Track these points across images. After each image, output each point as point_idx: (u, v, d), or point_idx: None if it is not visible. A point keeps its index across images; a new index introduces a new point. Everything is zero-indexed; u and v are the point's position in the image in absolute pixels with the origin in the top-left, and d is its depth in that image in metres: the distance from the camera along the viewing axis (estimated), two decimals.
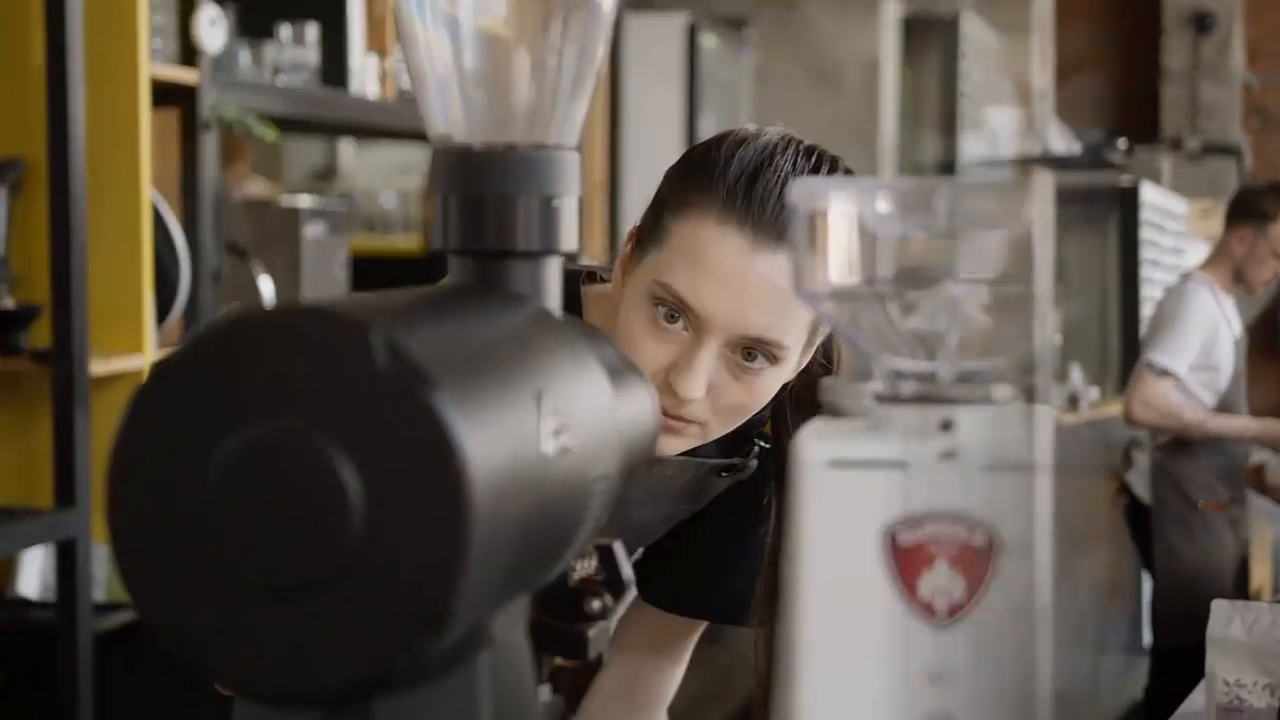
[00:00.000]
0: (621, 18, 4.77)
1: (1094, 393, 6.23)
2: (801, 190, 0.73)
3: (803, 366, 1.34)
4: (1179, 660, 4.23)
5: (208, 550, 0.63)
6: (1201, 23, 9.37)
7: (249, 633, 0.63)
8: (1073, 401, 5.98)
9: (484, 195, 0.83)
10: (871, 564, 0.70)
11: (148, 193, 2.55)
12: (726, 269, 1.22)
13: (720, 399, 1.27)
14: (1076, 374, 6.31)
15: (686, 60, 5.26)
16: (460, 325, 0.71)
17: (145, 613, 0.64)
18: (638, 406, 0.88)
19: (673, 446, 1.30)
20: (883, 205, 0.73)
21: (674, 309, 1.24)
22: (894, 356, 0.74)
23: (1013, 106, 5.40)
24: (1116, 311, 7.03)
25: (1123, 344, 6.96)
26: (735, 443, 1.40)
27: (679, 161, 1.30)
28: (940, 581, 0.70)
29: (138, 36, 2.53)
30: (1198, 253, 8.52)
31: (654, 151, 4.20)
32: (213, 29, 2.71)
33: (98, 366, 2.47)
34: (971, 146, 7.55)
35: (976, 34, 7.61)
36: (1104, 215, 6.80)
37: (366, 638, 0.62)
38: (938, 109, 7.34)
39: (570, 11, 0.86)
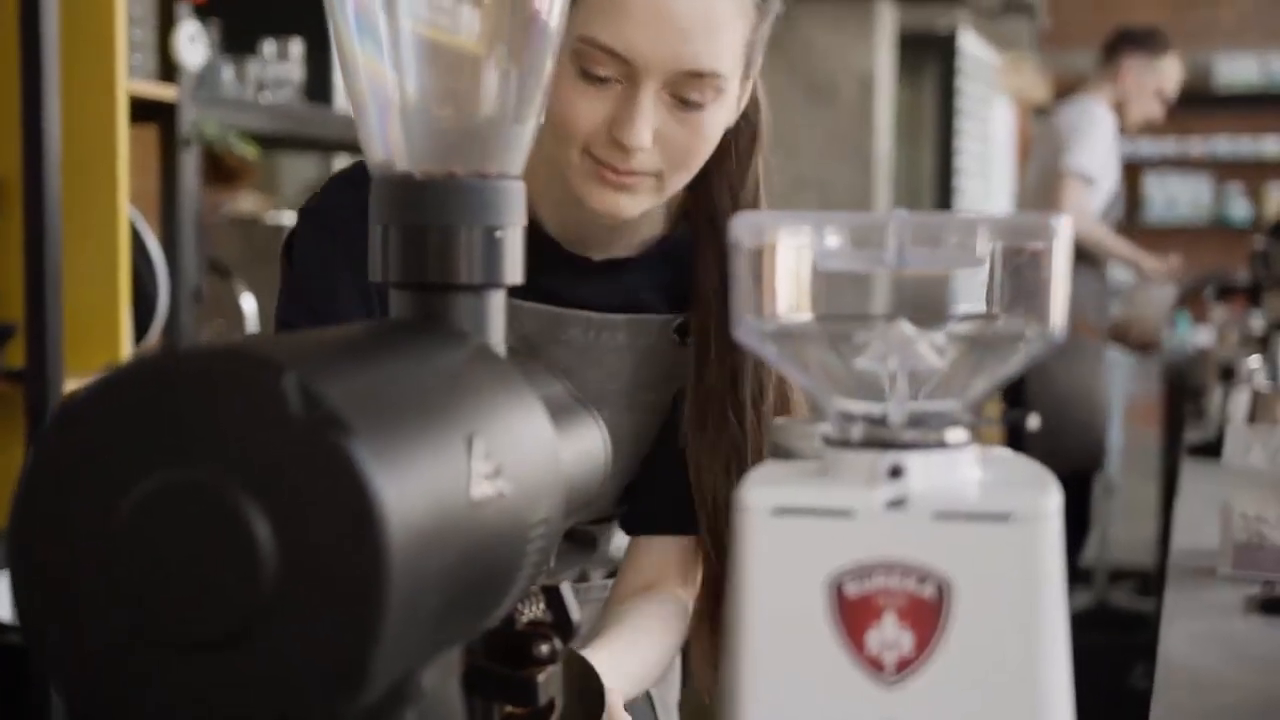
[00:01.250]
0: None
1: None
2: (745, 225, 0.70)
3: (743, 104, 1.31)
4: None
5: (112, 599, 0.60)
6: None
7: (153, 687, 0.60)
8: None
9: (425, 226, 0.80)
10: (817, 616, 0.67)
11: (125, 210, 2.52)
12: (646, 5, 1.18)
13: (669, 146, 1.23)
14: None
15: None
16: (389, 366, 0.68)
17: (45, 659, 0.61)
18: (584, 444, 0.85)
19: (632, 205, 1.26)
20: (830, 240, 0.70)
21: (601, 64, 1.20)
22: (843, 398, 0.71)
23: None
24: (931, 160, 7.13)
25: (937, 192, 7.07)
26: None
27: None
28: (888, 635, 0.67)
29: (115, 52, 2.50)
30: (1003, 106, 8.66)
31: None
32: (193, 45, 2.68)
33: (73, 386, 2.44)
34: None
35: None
36: (922, 59, 6.93)
37: (278, 696, 0.59)
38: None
39: (514, 34, 0.83)
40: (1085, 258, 4.48)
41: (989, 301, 0.70)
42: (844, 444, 0.70)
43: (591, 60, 1.19)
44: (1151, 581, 5.18)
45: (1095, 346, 4.48)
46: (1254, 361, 3.16)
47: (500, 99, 0.81)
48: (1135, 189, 10.09)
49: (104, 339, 2.52)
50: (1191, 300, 9.82)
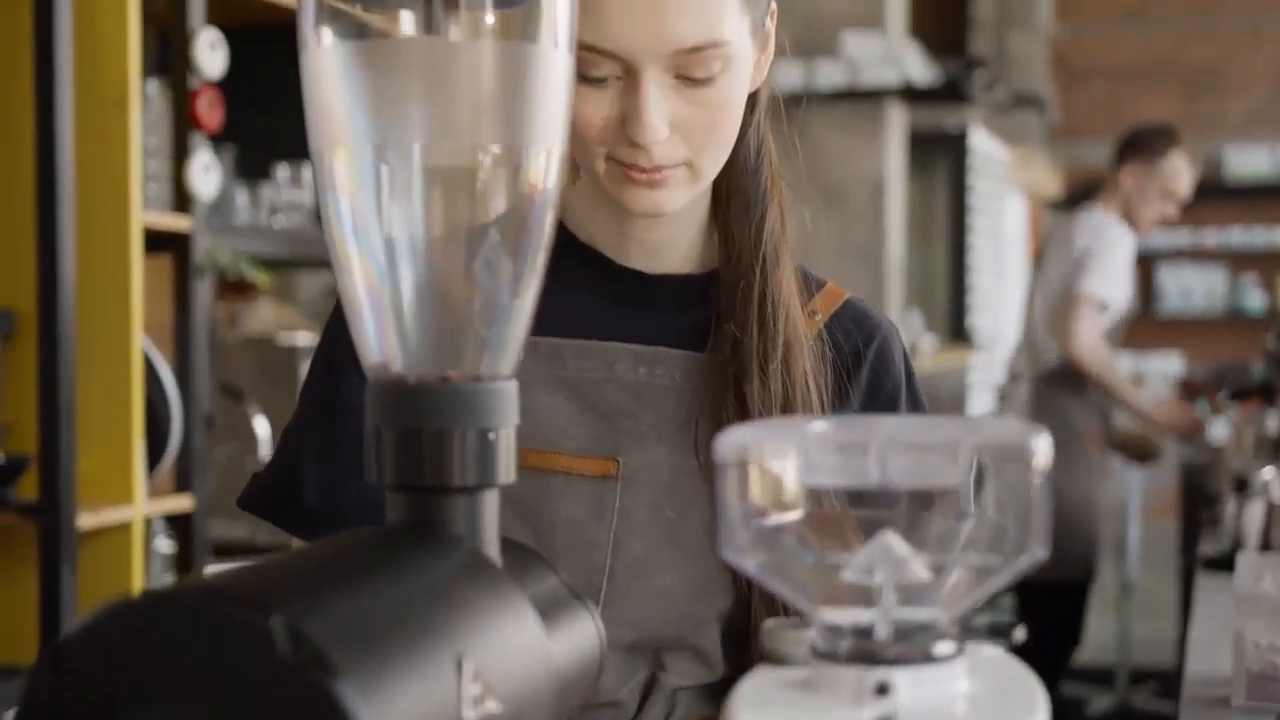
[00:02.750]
0: None
1: (930, 341, 6.28)
2: (729, 444, 0.70)
3: (767, 64, 1.23)
4: (1043, 599, 4.19)
5: None
6: None
7: None
8: (913, 350, 5.98)
9: (419, 430, 0.81)
10: None
11: (139, 341, 2.55)
12: None
13: (688, 130, 1.15)
14: (916, 320, 6.32)
15: None
16: (378, 589, 0.69)
17: None
18: (577, 638, 0.85)
19: (671, 200, 1.18)
20: (813, 454, 0.71)
21: (595, 65, 1.13)
22: (829, 610, 0.72)
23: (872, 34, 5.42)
24: (944, 257, 7.14)
25: (950, 291, 7.06)
26: None
27: None
28: None
29: (130, 184, 2.54)
30: (1015, 200, 8.72)
31: None
32: (207, 175, 2.72)
33: (86, 520, 2.45)
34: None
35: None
36: (933, 158, 6.95)
37: None
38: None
39: (504, 240, 0.84)
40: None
41: (973, 514, 0.71)
42: (831, 657, 0.71)
43: (585, 64, 1.12)
44: (1173, 683, 5.13)
45: (1093, 457, 4.46)
46: (1268, 473, 3.15)
47: (490, 307, 0.83)
48: (1149, 280, 10.15)
49: (117, 471, 2.53)
50: (1209, 392, 9.82)
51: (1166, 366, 10.07)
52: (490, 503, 0.83)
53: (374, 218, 0.82)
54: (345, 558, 0.72)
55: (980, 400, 7.41)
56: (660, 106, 1.13)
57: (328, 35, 0.81)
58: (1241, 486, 3.35)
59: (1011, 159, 8.32)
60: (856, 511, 0.74)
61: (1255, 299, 10.05)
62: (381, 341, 0.83)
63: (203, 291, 2.75)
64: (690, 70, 1.13)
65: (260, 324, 3.56)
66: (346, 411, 1.25)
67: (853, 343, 1.30)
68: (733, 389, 1.23)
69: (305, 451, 1.27)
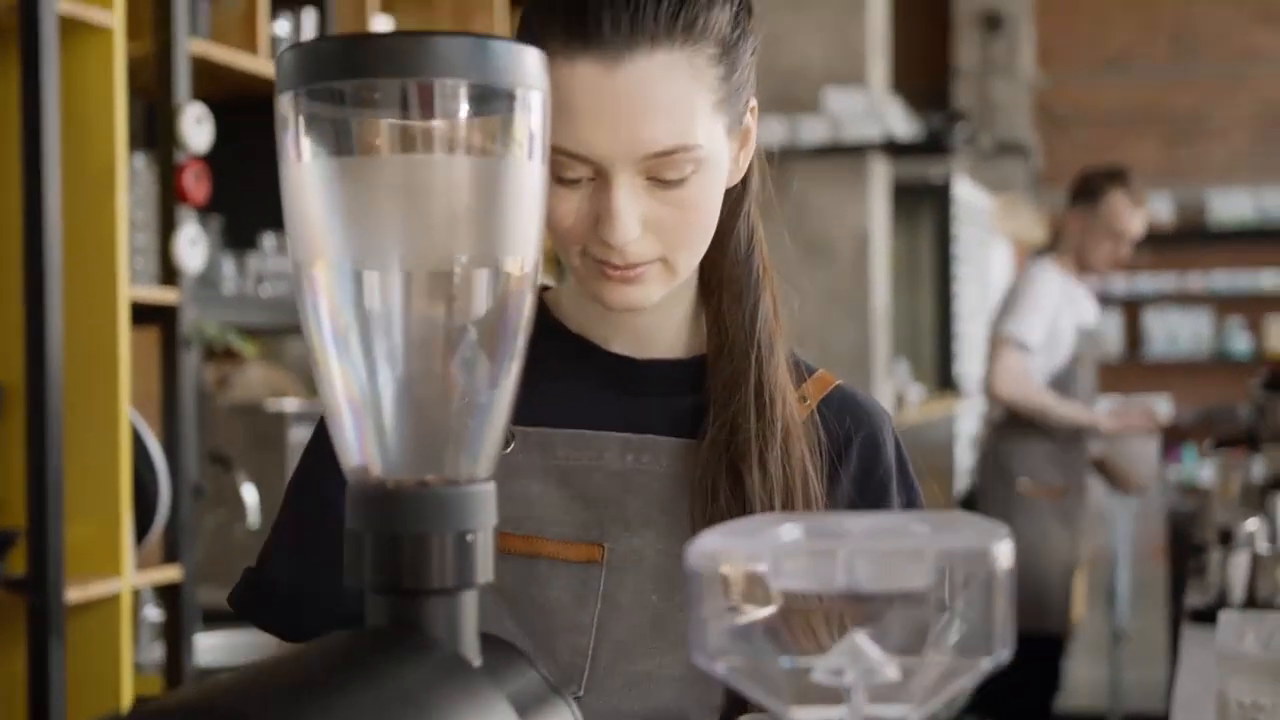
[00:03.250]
0: None
1: (918, 390, 6.31)
2: (700, 552, 0.72)
3: (745, 158, 1.24)
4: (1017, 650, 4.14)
5: None
6: (991, 22, 9.60)
7: None
8: (900, 401, 5.99)
9: (399, 534, 0.83)
10: None
11: (126, 414, 2.56)
12: (592, 101, 1.12)
13: (661, 229, 1.16)
14: (903, 370, 6.35)
15: None
16: (356, 698, 0.71)
17: None
18: None
19: (645, 296, 1.19)
20: (783, 560, 0.73)
21: (568, 167, 1.14)
22: (801, 709, 0.74)
23: (854, 89, 5.48)
24: (931, 305, 7.17)
25: (937, 340, 7.09)
26: None
27: (520, 22, 1.21)
28: None
29: (117, 258, 2.56)
30: (1002, 248, 8.78)
31: None
32: (193, 249, 2.74)
33: (75, 593, 2.46)
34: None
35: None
36: (918, 208, 7.00)
37: None
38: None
39: (481, 343, 0.86)
40: (1027, 418, 4.47)
41: (941, 617, 0.73)
42: None
43: (558, 166, 1.14)
44: None
45: (1049, 505, 4.45)
46: (1252, 524, 3.16)
47: (466, 413, 0.85)
48: (1136, 325, 10.20)
49: (105, 544, 2.54)
50: (1197, 434, 9.85)
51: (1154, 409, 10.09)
52: (469, 603, 0.84)
53: (353, 327, 0.84)
54: (325, 664, 0.74)
55: (969, 448, 7.44)
56: (631, 208, 1.15)
57: (307, 150, 0.83)
58: (1226, 538, 3.37)
59: (996, 207, 8.38)
60: (827, 612, 0.75)
61: (1241, 342, 10.10)
62: (361, 446, 0.85)
63: (189, 363, 2.77)
64: (661, 173, 1.15)
65: (250, 387, 3.58)
66: (327, 513, 1.26)
67: (844, 428, 1.30)
68: (729, 476, 1.24)
69: (284, 553, 1.29)
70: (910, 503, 1.33)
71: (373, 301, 0.84)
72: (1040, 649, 4.43)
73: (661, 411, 1.28)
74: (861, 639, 0.73)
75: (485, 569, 0.84)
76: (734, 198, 1.26)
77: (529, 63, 0.84)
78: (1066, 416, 4.45)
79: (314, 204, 0.83)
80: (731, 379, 1.26)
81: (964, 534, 0.74)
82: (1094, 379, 4.69)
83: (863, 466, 1.30)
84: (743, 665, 0.75)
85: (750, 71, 1.21)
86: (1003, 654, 0.72)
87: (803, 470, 1.25)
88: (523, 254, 0.85)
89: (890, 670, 0.72)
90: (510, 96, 0.84)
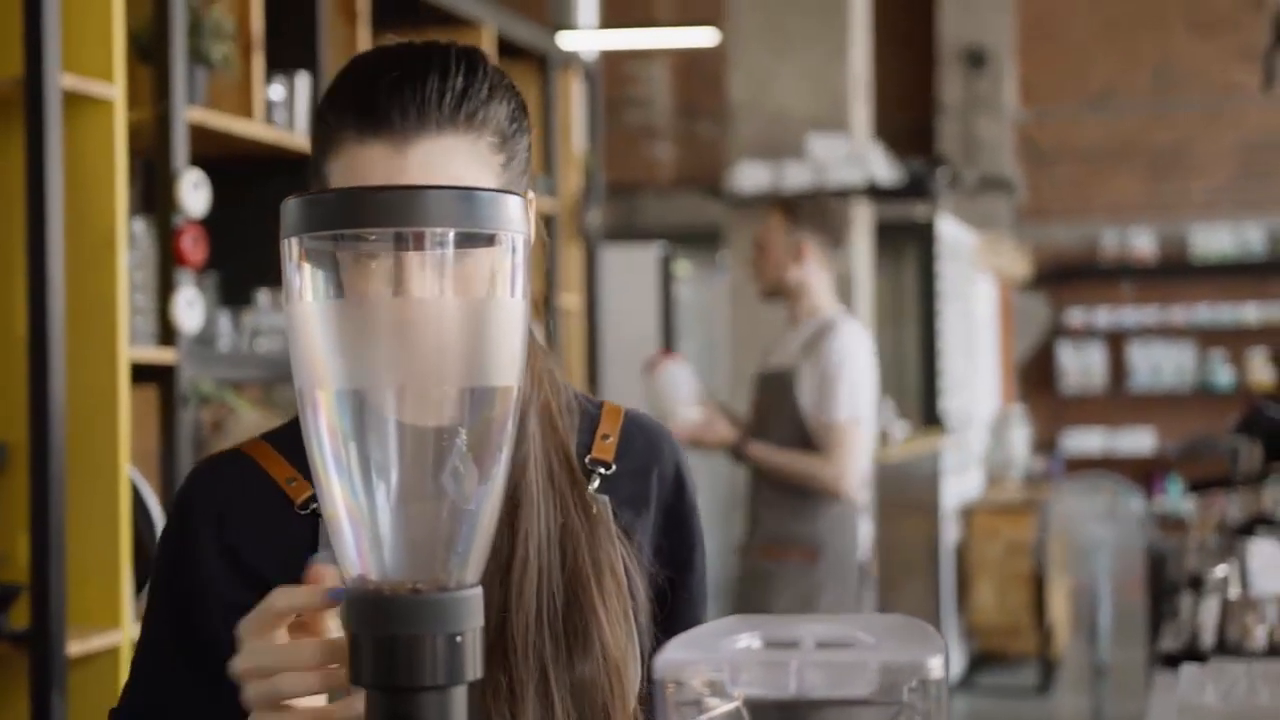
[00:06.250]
0: (598, 249, 4.92)
1: (903, 427, 6.38)
2: (664, 663, 0.81)
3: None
4: None
5: None
6: (974, 59, 9.71)
7: None
8: (885, 438, 6.03)
9: (394, 636, 0.91)
10: None
11: (126, 471, 2.64)
12: (380, 177, 1.19)
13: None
14: (887, 408, 6.42)
15: (662, 286, 5.39)
16: None
17: None
18: None
19: None
20: (740, 670, 0.81)
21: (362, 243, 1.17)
22: None
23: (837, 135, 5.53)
24: (915, 342, 7.26)
25: (922, 376, 7.17)
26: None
27: (315, 116, 1.28)
28: None
29: (118, 321, 2.64)
30: (986, 284, 8.88)
31: (633, 376, 4.27)
32: (191, 310, 2.83)
33: (75, 646, 2.53)
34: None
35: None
36: (901, 247, 7.08)
37: None
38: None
39: (469, 459, 0.95)
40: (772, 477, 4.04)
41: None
42: None
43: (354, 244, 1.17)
44: None
45: (800, 566, 4.01)
46: (1221, 570, 3.24)
47: (453, 525, 0.93)
48: (1120, 357, 10.30)
49: (105, 599, 2.62)
50: (1180, 467, 9.93)
51: (1138, 442, 10.22)
52: (459, 698, 0.93)
53: (352, 450, 0.92)
54: None
55: (954, 484, 7.52)
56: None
57: (309, 291, 0.92)
58: (1197, 583, 3.44)
59: (980, 243, 8.48)
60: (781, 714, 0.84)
61: (1224, 375, 10.20)
62: (360, 556, 0.94)
63: (187, 420, 2.85)
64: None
65: (244, 432, 3.65)
66: (192, 626, 1.26)
67: (645, 457, 1.37)
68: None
69: (160, 678, 1.29)
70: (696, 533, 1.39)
71: (368, 423, 0.92)
72: None
73: None
74: None
75: (474, 667, 0.93)
76: None
77: (510, 209, 0.93)
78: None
79: (315, 338, 0.92)
80: None
81: (905, 644, 0.82)
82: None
83: (664, 493, 1.37)
84: None
85: (527, 166, 1.30)
86: None
87: (595, 514, 1.29)
88: (507, 377, 0.94)
89: None
90: (492, 240, 0.92)
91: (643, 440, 1.38)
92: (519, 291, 0.94)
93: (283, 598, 1.02)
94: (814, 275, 4.02)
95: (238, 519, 1.29)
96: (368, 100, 1.21)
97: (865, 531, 4.07)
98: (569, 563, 1.27)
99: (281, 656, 1.01)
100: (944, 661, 0.80)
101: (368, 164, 1.20)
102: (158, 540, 1.35)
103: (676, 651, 0.82)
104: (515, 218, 0.93)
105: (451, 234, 0.91)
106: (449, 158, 1.21)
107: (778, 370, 4.03)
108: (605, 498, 1.31)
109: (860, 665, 0.80)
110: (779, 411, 3.96)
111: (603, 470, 1.33)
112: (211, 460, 1.36)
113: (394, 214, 0.90)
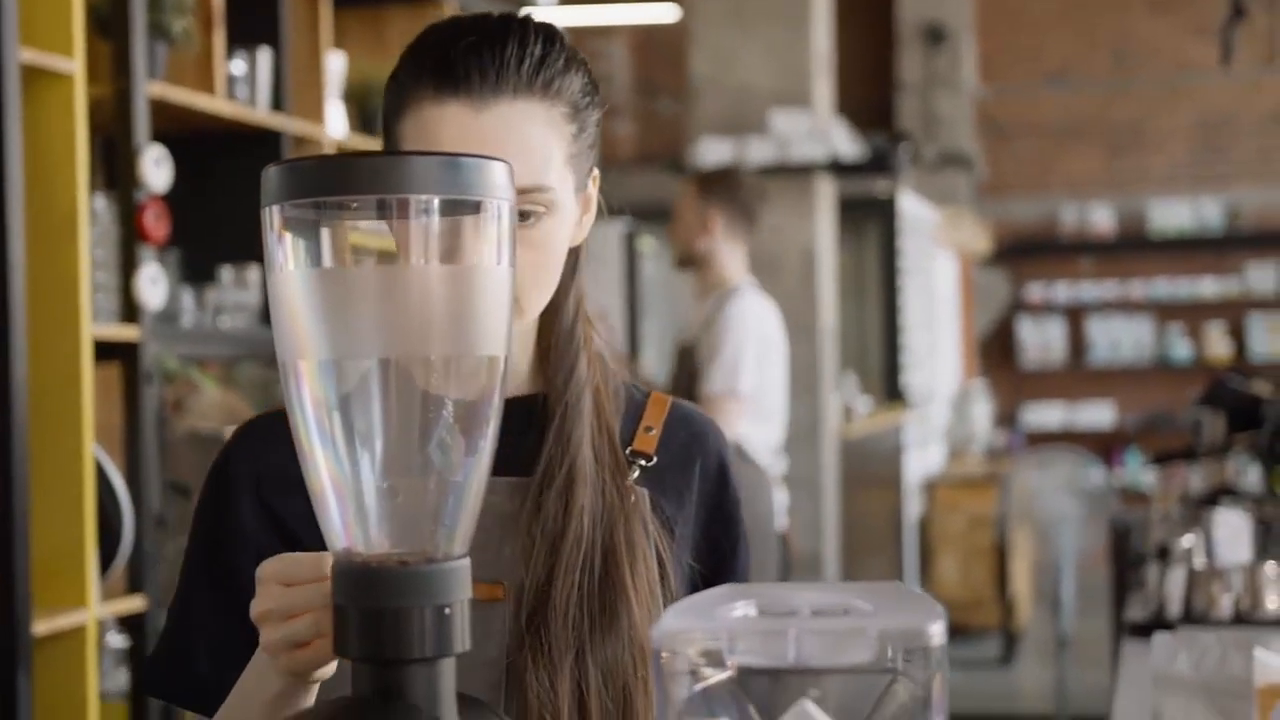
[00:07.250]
0: None
1: (865, 402, 6.41)
2: (665, 634, 0.80)
3: (588, 222, 1.31)
4: None
5: None
6: (934, 36, 9.75)
7: None
8: (848, 414, 6.06)
9: (381, 609, 0.90)
10: None
11: (90, 450, 2.61)
12: (459, 138, 1.21)
13: (517, 266, 1.18)
14: (850, 383, 6.45)
15: (626, 262, 5.37)
16: None
17: None
18: None
19: None
20: (738, 638, 0.80)
21: None
22: None
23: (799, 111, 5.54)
24: (877, 318, 7.31)
25: (884, 352, 7.22)
26: None
27: (389, 80, 1.29)
28: None
29: (80, 298, 2.61)
30: (946, 259, 8.94)
31: None
32: (154, 287, 2.80)
33: (41, 626, 2.51)
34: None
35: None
36: (863, 223, 7.12)
37: None
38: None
39: (455, 432, 0.93)
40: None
41: (883, 686, 0.80)
42: None
43: None
44: None
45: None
46: (1188, 540, 3.25)
47: (440, 496, 0.92)
48: (1079, 332, 10.36)
49: (71, 578, 2.59)
50: (1140, 439, 10.01)
51: (1097, 416, 10.28)
52: (447, 670, 0.92)
53: (336, 421, 0.91)
54: None
55: (916, 458, 7.55)
56: None
57: (290, 259, 0.90)
58: (1164, 553, 3.46)
59: (940, 219, 8.50)
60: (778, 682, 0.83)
61: (1182, 348, 10.27)
62: (345, 529, 0.92)
63: (151, 397, 2.82)
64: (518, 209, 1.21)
65: (205, 411, 3.62)
66: (233, 582, 1.26)
67: (688, 449, 1.36)
68: (528, 513, 1.28)
69: (195, 629, 1.30)
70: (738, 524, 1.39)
71: (352, 393, 0.91)
72: None
73: (505, 450, 1.32)
74: (810, 706, 0.81)
75: (462, 639, 0.92)
76: (571, 262, 1.33)
77: (496, 175, 0.92)
78: None
79: (297, 307, 0.90)
80: (557, 421, 1.30)
81: (903, 612, 0.82)
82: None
83: (707, 487, 1.37)
84: None
85: (596, 141, 1.31)
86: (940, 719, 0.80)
87: (579, 519, 1.27)
88: (494, 346, 0.93)
89: None
90: (478, 207, 0.91)
91: (686, 433, 1.37)
92: (505, 259, 0.92)
93: (309, 568, 1.01)
94: (721, 247, 4.04)
95: (274, 480, 1.27)
96: (447, 61, 1.22)
97: (780, 500, 4.08)
98: (606, 543, 1.27)
99: (298, 599, 1.00)
100: (943, 628, 0.80)
101: (444, 123, 1.21)
102: (201, 485, 1.35)
103: (673, 620, 0.81)
104: (501, 184, 0.92)
105: (436, 201, 0.89)
106: (525, 121, 1.23)
107: (686, 343, 4.08)
108: (644, 490, 1.31)
109: (858, 632, 0.79)
110: (683, 384, 4.00)
111: (643, 463, 1.33)
112: (254, 421, 1.36)
113: (377, 181, 0.89)
